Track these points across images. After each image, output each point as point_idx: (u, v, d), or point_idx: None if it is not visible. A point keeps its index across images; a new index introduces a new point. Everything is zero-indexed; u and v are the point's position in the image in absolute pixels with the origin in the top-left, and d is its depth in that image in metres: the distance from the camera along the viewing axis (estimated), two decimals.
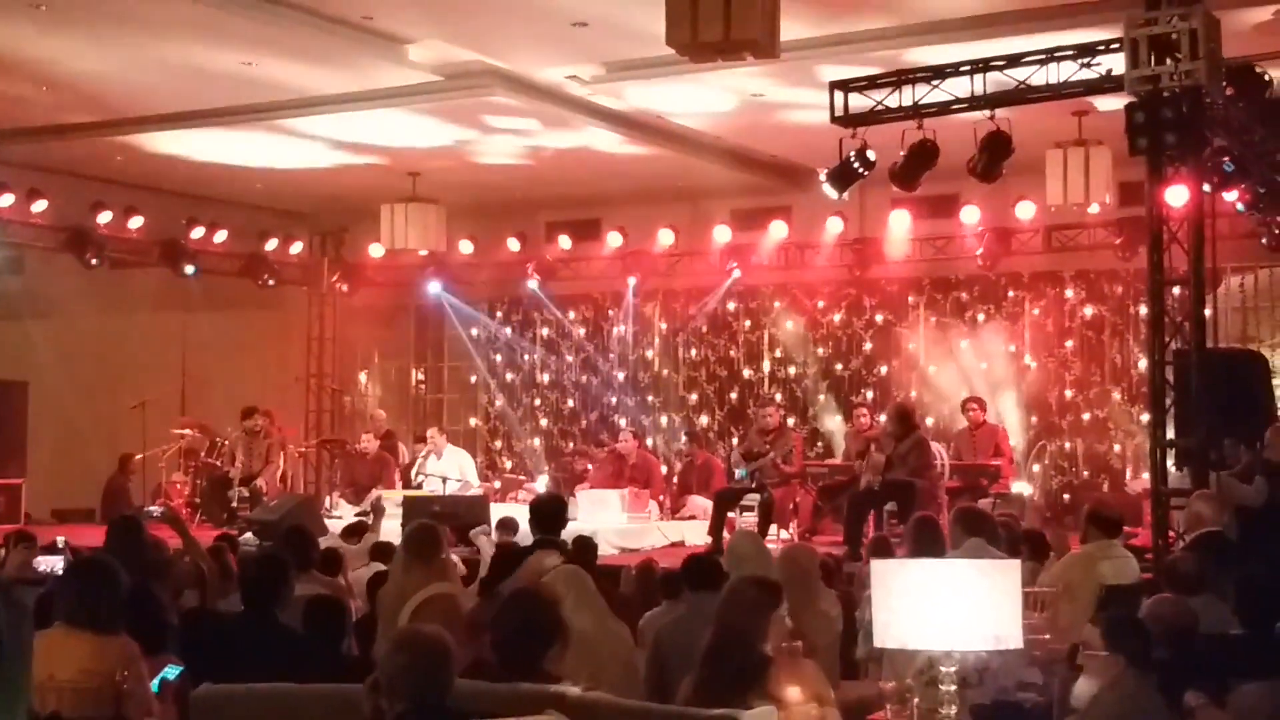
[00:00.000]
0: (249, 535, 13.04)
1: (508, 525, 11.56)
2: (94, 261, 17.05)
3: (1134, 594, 7.34)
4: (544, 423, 19.16)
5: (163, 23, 11.94)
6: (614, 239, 17.87)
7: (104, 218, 17.04)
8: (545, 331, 19.28)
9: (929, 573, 5.04)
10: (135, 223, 17.44)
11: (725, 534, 13.49)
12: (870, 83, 11.05)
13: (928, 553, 7.24)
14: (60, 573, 6.43)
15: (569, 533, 9.60)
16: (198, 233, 18.10)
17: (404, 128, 15.25)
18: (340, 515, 14.15)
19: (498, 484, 16.98)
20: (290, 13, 11.78)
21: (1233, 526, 8.48)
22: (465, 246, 18.54)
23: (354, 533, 11.11)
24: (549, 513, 8.38)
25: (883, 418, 14.67)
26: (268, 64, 13.13)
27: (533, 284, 18.63)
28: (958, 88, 10.79)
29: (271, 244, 18.95)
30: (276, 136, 15.74)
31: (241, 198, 18.90)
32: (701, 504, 14.77)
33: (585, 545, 9.47)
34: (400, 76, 13.47)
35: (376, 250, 18.30)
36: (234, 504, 15.44)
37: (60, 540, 9.84)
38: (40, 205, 16.40)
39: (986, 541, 7.42)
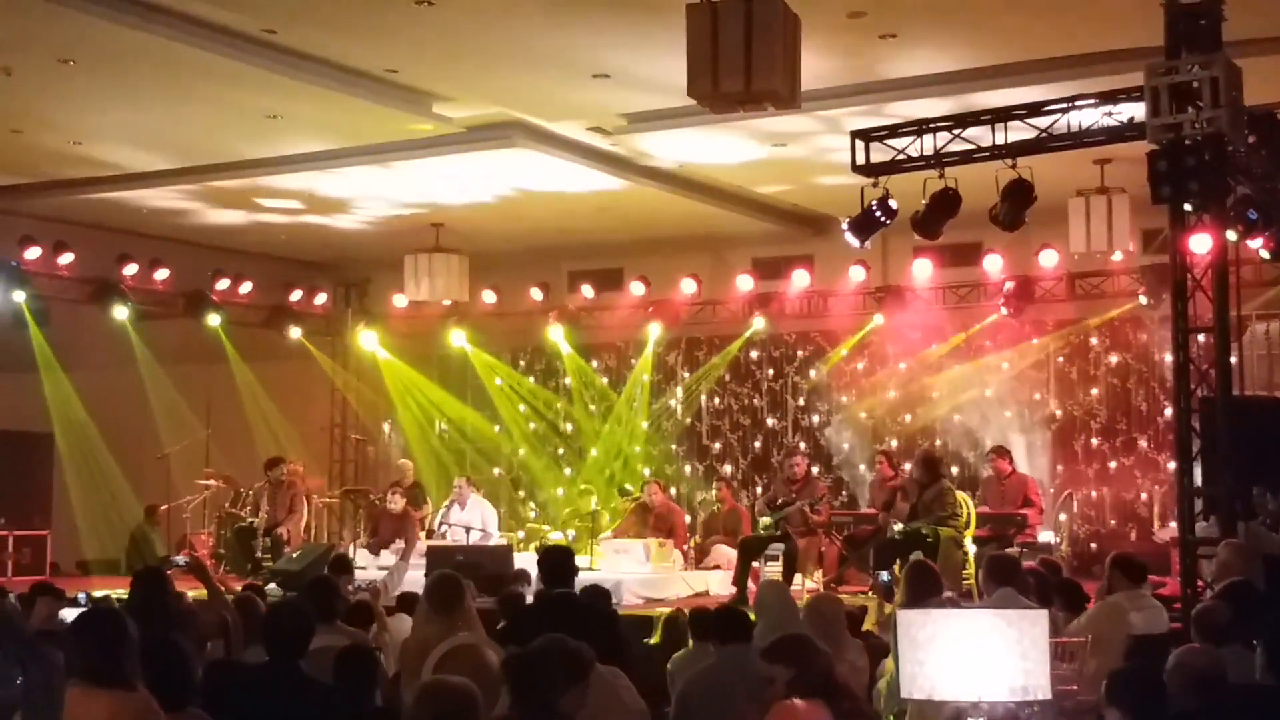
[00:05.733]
0: (272, 585, 13.03)
1: (521, 577, 11.50)
2: (120, 313, 17.13)
3: (1163, 644, 7.27)
4: (567, 472, 19.14)
5: (189, 77, 12.07)
6: (636, 288, 17.90)
7: (130, 270, 17.15)
8: (568, 381, 19.29)
9: (956, 623, 5.00)
10: (161, 275, 17.55)
11: (750, 584, 13.44)
12: (891, 132, 11.07)
13: (923, 599, 7.21)
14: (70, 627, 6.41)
15: (593, 582, 9.58)
16: (223, 284, 18.20)
17: (428, 179, 15.35)
18: (364, 565, 14.13)
19: (521, 534, 16.93)
20: (316, 66, 11.91)
21: (1261, 575, 8.40)
22: (488, 296, 18.60)
23: (342, 568, 11.06)
24: (555, 563, 8.18)
25: (907, 466, 14.62)
26: (293, 117, 13.24)
27: (556, 333, 18.65)
28: (979, 137, 10.81)
29: (296, 295, 19.05)
30: (299, 187, 15.85)
31: (266, 249, 19.04)
32: (726, 553, 14.70)
33: (598, 593, 9.33)
34: (424, 129, 13.57)
35: (400, 301, 18.39)
36: (258, 554, 15.45)
37: (82, 595, 9.83)
38: (67, 258, 16.53)
39: (1016, 591, 7.36)
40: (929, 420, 17.27)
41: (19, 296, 16.17)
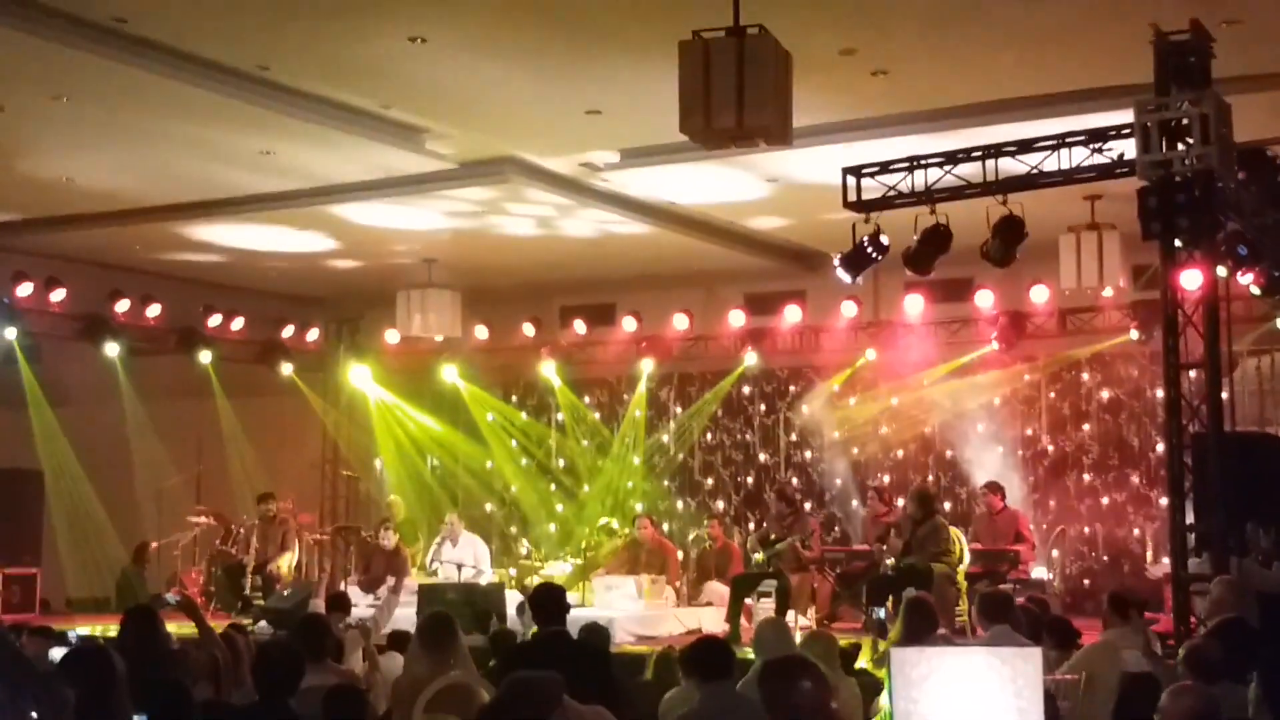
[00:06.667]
0: (263, 624, 12.97)
1: (521, 611, 11.47)
2: (111, 350, 17.10)
3: (1155, 682, 7.25)
4: (560, 508, 19.09)
5: (182, 113, 12.09)
6: (629, 323, 17.90)
7: (121, 306, 17.11)
8: (560, 416, 19.27)
9: (950, 661, 4.98)
10: (153, 311, 17.51)
11: (743, 620, 13.40)
12: (882, 168, 11.10)
13: (920, 635, 7.19)
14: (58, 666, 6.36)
15: (585, 619, 9.54)
16: (215, 320, 18.17)
17: (420, 215, 15.37)
18: (355, 603, 14.07)
19: (513, 570, 16.88)
20: (309, 102, 11.93)
21: (1254, 612, 8.38)
22: (481, 332, 18.59)
23: (339, 607, 11.02)
24: (547, 602, 8.09)
25: (900, 502, 14.60)
26: (287, 153, 13.27)
27: (548, 369, 18.64)
28: (970, 173, 10.84)
29: (288, 331, 19.03)
30: (294, 224, 15.87)
31: (259, 285, 19.04)
32: (719, 590, 14.65)
33: (594, 633, 9.31)
34: (417, 164, 13.60)
35: (393, 336, 18.38)
36: (247, 591, 15.39)
37: (73, 634, 9.77)
38: (59, 294, 16.49)
39: (1011, 628, 7.35)
40: (921, 455, 17.27)
41: (10, 333, 16.15)
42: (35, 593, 16.35)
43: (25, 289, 16.22)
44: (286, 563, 15.95)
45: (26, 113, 12.20)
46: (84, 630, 11.85)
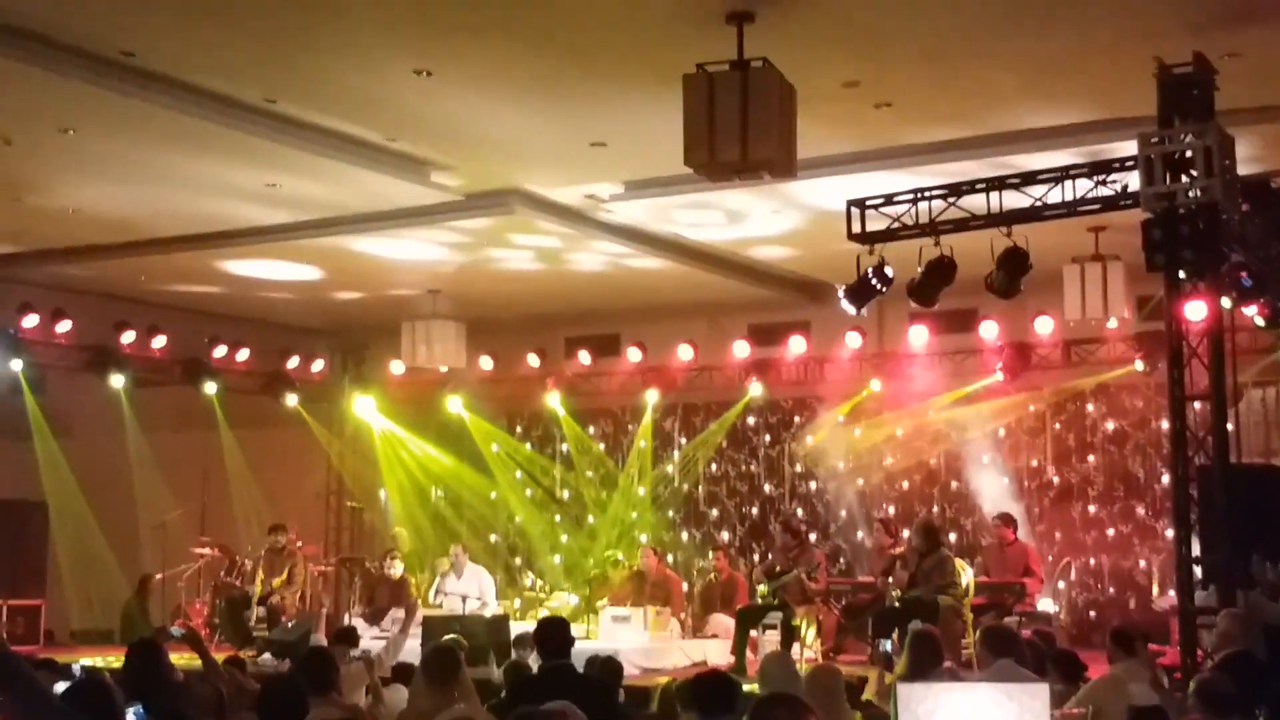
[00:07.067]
0: (266, 656, 12.94)
1: (524, 643, 11.43)
2: (117, 381, 17.13)
3: (1163, 715, 7.22)
4: (564, 539, 19.07)
5: (189, 146, 12.14)
6: (633, 354, 17.90)
7: (127, 337, 17.13)
8: (565, 447, 19.26)
9: (956, 696, 4.97)
10: (158, 342, 17.51)
11: (749, 653, 13.36)
12: (887, 200, 11.12)
13: (926, 668, 7.17)
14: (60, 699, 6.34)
15: (590, 652, 9.52)
16: (220, 351, 18.18)
17: (425, 246, 15.42)
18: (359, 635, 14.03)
19: (518, 602, 16.85)
20: (315, 135, 11.98)
21: (1261, 646, 8.35)
22: (485, 362, 18.60)
23: (345, 640, 11.00)
24: (552, 635, 8.05)
25: (906, 534, 14.58)
26: (292, 185, 13.32)
27: (553, 399, 18.64)
28: (974, 205, 10.87)
29: (293, 362, 19.04)
30: (299, 255, 15.92)
31: (264, 316, 19.09)
32: (724, 622, 14.62)
33: (609, 667, 9.28)
34: (422, 196, 13.65)
35: (398, 367, 18.40)
36: (252, 623, 15.36)
37: (77, 666, 9.74)
38: (64, 325, 16.52)
39: (1016, 662, 7.32)
40: (926, 487, 17.25)
41: (16, 364, 16.18)
42: (39, 625, 16.34)
43: (31, 320, 16.25)
44: (292, 594, 15.92)
45: (34, 145, 12.26)
46: (87, 661, 11.83)
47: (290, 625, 14.40)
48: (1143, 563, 15.91)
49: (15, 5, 9.51)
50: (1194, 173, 9.45)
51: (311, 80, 10.85)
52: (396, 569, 15.71)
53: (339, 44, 10.03)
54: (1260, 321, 11.69)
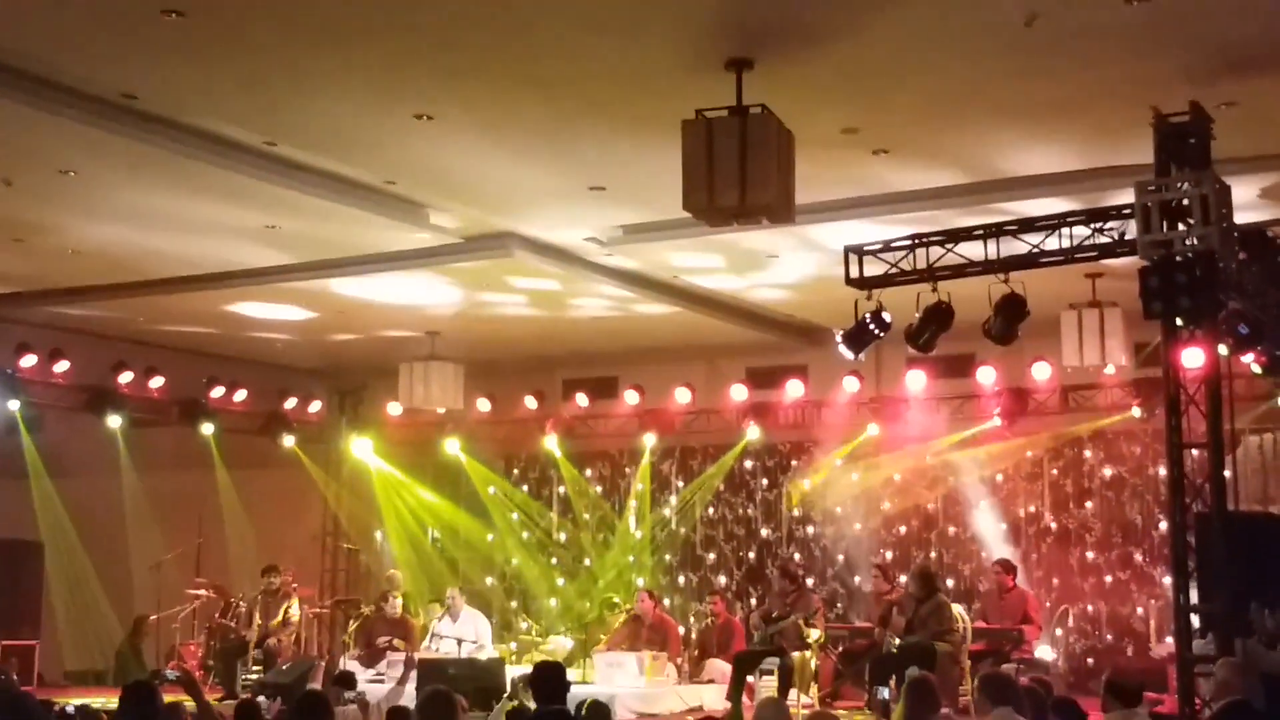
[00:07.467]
0: (261, 699, 12.86)
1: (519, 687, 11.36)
2: (114, 421, 17.11)
3: None
4: (561, 582, 19.01)
5: (189, 187, 12.17)
6: (631, 397, 17.91)
7: (125, 377, 17.13)
8: (562, 490, 19.23)
9: None
10: (156, 382, 17.51)
11: (745, 698, 13.31)
12: (885, 246, 11.15)
13: (923, 715, 7.12)
14: None
15: (586, 696, 9.45)
16: (218, 392, 18.19)
17: (424, 288, 15.44)
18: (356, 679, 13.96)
19: (514, 645, 16.77)
20: (314, 178, 12.02)
21: (1259, 694, 8.32)
22: (483, 404, 18.61)
23: (345, 683, 10.95)
24: (547, 680, 8.06)
25: (903, 579, 14.54)
26: (291, 227, 13.35)
27: (550, 442, 18.62)
28: (971, 251, 10.89)
29: (291, 402, 19.04)
30: (297, 297, 15.94)
31: (262, 357, 19.10)
32: (721, 667, 14.54)
33: (598, 712, 9.22)
34: (420, 239, 13.69)
35: (395, 408, 18.39)
36: (250, 665, 15.30)
37: (70, 707, 9.70)
38: (62, 365, 16.53)
39: (1014, 710, 7.29)
40: (924, 531, 17.22)
41: (13, 404, 16.17)
42: (33, 666, 16.24)
43: (29, 360, 16.26)
44: (288, 636, 15.86)
45: (34, 186, 12.29)
46: (77, 702, 11.75)
47: (286, 668, 14.33)
48: (1140, 609, 15.86)
49: (17, 47, 9.55)
50: (1191, 221, 9.49)
51: (312, 123, 10.89)
52: (396, 607, 15.65)
53: (340, 88, 10.07)
54: (1257, 369, 11.72)
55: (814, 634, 13.63)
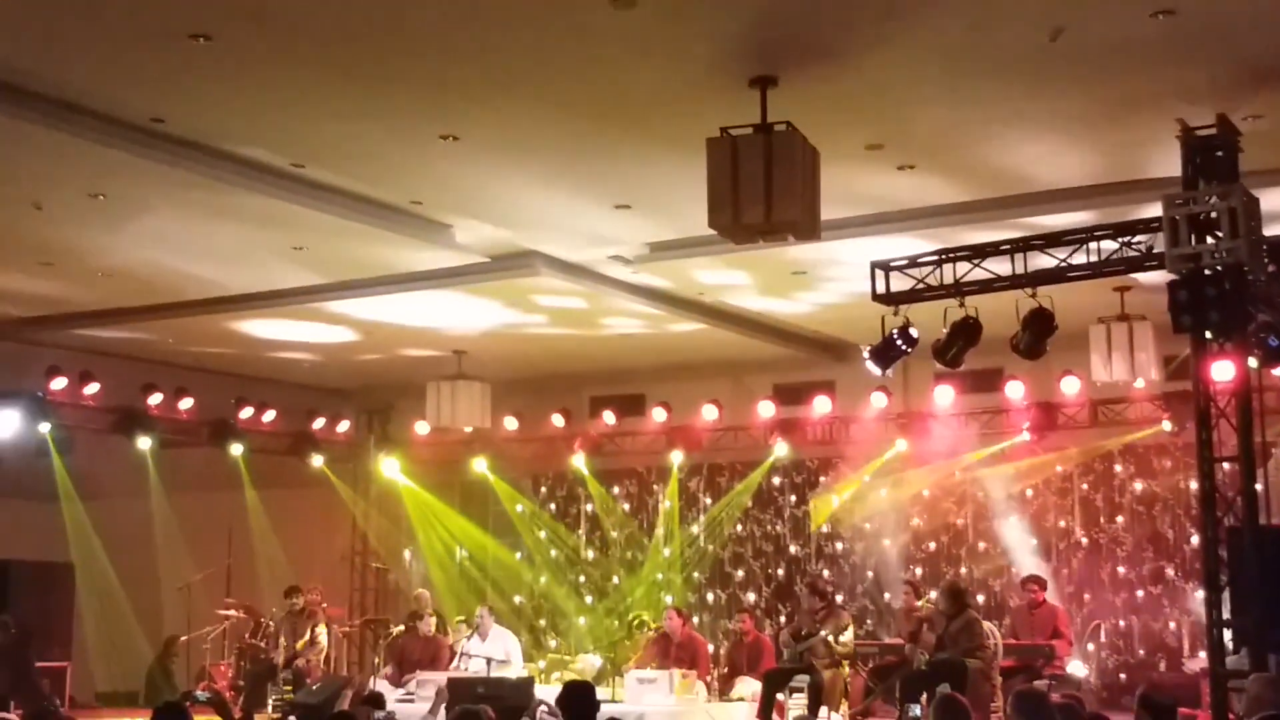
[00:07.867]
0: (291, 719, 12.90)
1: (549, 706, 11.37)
2: (144, 443, 17.19)
3: None
4: (589, 600, 19.00)
5: (218, 210, 12.26)
6: (658, 414, 17.90)
7: (155, 399, 17.22)
8: (590, 508, 19.23)
9: None
10: (185, 404, 17.60)
11: (775, 716, 13.26)
12: (911, 261, 11.14)
13: None
14: None
15: (616, 715, 9.45)
16: (246, 412, 18.27)
17: (451, 307, 15.48)
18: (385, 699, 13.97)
19: (542, 664, 16.75)
20: (341, 199, 12.08)
21: None
22: (510, 423, 18.63)
23: (372, 703, 10.97)
24: (577, 699, 7.99)
25: (933, 595, 14.48)
26: (319, 248, 13.41)
27: (577, 460, 18.62)
28: (999, 266, 10.86)
29: (319, 423, 19.11)
30: (324, 317, 16.00)
31: (290, 377, 19.18)
32: (751, 685, 14.49)
33: None
34: (447, 258, 13.74)
35: (423, 427, 18.43)
36: (280, 685, 15.32)
37: None
38: (92, 388, 16.63)
39: None
40: (953, 547, 17.14)
41: (44, 427, 16.26)
42: (65, 687, 16.30)
43: (59, 383, 16.37)
44: (317, 655, 15.87)
45: (64, 210, 12.37)
46: None
47: (315, 688, 14.34)
48: (1173, 624, 15.74)
49: (47, 72, 9.63)
50: (1219, 234, 9.45)
51: (339, 146, 10.95)
52: (430, 625, 15.66)
53: (367, 110, 10.12)
54: None
55: (846, 635, 13.59)
